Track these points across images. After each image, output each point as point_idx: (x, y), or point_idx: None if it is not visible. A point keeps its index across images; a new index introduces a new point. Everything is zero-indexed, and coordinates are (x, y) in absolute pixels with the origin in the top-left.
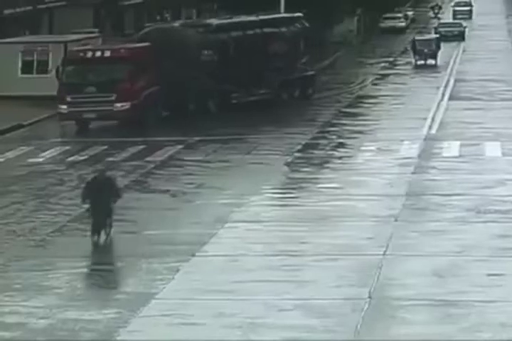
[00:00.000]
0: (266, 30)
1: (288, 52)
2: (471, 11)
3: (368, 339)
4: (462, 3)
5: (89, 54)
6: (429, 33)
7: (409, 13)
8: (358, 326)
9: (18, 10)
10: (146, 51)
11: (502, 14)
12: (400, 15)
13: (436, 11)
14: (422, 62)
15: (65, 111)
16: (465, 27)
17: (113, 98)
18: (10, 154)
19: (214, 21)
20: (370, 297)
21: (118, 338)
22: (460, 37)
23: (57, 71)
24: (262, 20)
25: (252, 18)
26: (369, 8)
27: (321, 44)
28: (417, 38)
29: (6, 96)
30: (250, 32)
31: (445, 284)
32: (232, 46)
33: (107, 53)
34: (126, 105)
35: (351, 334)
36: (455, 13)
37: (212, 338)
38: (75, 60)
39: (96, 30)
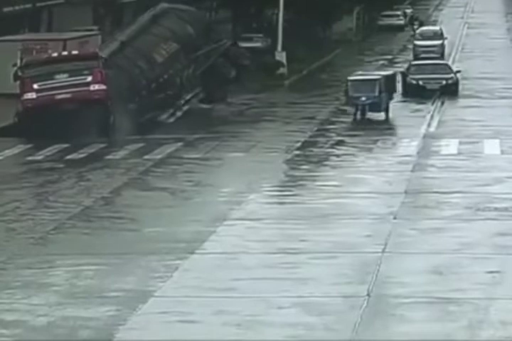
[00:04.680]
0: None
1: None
2: (442, 47)
3: (366, 337)
4: (429, 34)
5: (55, 53)
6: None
7: (408, 10)
8: (357, 324)
9: (17, 8)
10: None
11: (501, 12)
12: (398, 13)
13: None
14: (359, 116)
15: (34, 97)
16: (456, 81)
17: (89, 80)
18: (8, 152)
19: None
20: (368, 295)
21: (117, 336)
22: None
23: (15, 74)
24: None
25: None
26: (368, 6)
27: (321, 42)
28: (352, 77)
29: (5, 94)
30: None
31: (444, 282)
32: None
33: (75, 51)
34: (103, 86)
35: (350, 332)
36: (416, 51)
37: (210, 336)
38: (40, 60)
39: (95, 27)
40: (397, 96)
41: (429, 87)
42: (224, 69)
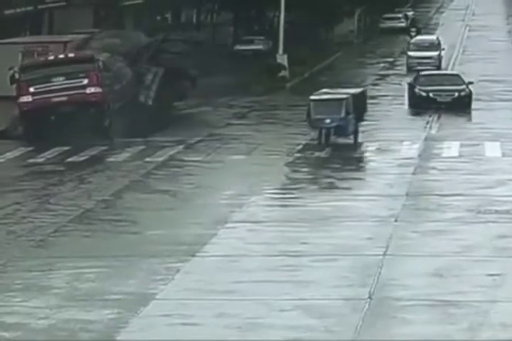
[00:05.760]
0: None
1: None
2: (439, 59)
3: (368, 340)
4: (425, 44)
5: (51, 56)
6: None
7: (410, 13)
8: (358, 326)
9: (18, 10)
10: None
11: (502, 14)
12: (400, 15)
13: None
14: (323, 140)
15: (30, 100)
16: (469, 94)
17: (85, 83)
18: (10, 154)
19: None
20: (370, 297)
21: (118, 338)
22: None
23: (11, 77)
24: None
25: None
26: (369, 9)
27: (322, 44)
28: (315, 97)
29: (6, 96)
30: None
31: (445, 284)
32: None
33: (71, 54)
34: (99, 89)
35: (351, 335)
36: (410, 64)
37: (212, 338)
38: (36, 63)
39: (96, 30)
40: (404, 105)
41: (439, 99)
42: (173, 48)
